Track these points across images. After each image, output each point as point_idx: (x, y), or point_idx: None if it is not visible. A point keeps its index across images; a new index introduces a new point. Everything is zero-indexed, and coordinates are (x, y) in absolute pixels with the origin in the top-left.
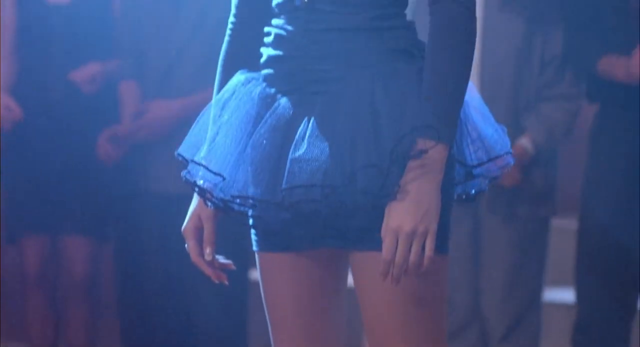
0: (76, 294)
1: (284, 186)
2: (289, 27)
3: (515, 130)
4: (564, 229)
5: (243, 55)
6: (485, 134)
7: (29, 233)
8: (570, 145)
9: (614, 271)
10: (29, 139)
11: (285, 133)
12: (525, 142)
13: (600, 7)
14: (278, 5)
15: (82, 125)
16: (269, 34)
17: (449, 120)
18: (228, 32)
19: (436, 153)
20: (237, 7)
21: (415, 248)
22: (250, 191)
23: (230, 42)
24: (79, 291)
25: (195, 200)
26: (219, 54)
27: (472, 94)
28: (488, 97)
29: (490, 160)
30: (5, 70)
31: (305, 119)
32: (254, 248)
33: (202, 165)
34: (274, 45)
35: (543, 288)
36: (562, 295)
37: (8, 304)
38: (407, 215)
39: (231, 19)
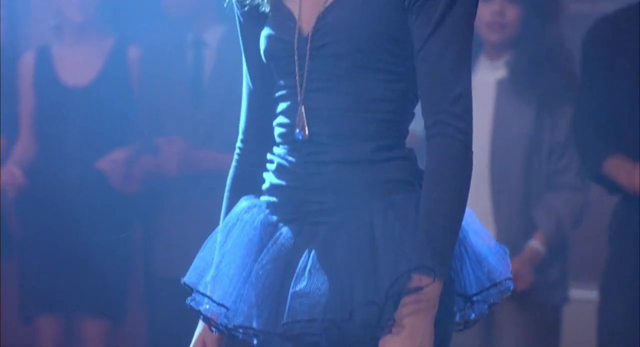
0: None
1: (285, 319)
2: (290, 158)
3: (525, 220)
4: (579, 299)
5: (249, 181)
6: (485, 258)
7: (44, 313)
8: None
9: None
10: (44, 221)
11: (287, 263)
12: (535, 243)
13: (611, 104)
14: (280, 135)
15: (98, 207)
16: (271, 161)
17: (444, 258)
18: (235, 157)
19: (431, 290)
20: (245, 133)
21: None
22: (253, 321)
23: (237, 168)
24: None
25: (201, 324)
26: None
27: (470, 219)
28: (498, 184)
29: (490, 286)
30: (22, 148)
31: (306, 251)
32: None
33: (206, 295)
34: (276, 173)
35: None
36: None
37: None
38: None
39: (238, 144)
